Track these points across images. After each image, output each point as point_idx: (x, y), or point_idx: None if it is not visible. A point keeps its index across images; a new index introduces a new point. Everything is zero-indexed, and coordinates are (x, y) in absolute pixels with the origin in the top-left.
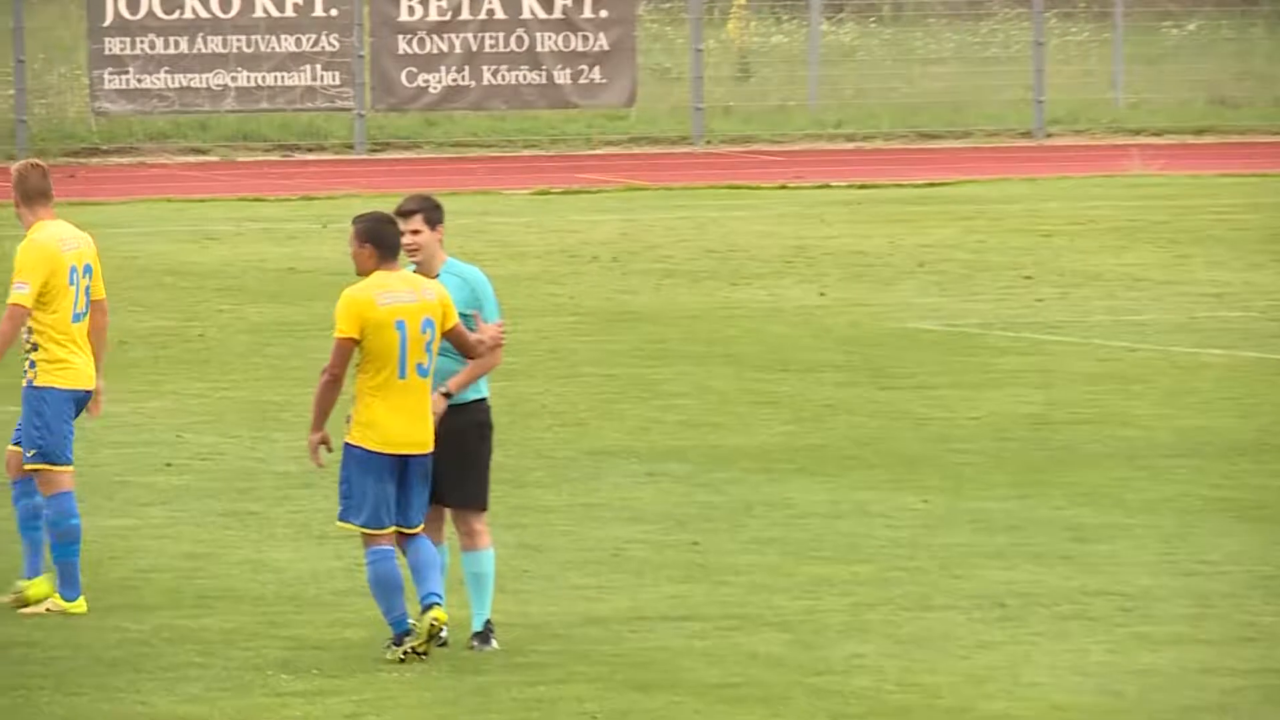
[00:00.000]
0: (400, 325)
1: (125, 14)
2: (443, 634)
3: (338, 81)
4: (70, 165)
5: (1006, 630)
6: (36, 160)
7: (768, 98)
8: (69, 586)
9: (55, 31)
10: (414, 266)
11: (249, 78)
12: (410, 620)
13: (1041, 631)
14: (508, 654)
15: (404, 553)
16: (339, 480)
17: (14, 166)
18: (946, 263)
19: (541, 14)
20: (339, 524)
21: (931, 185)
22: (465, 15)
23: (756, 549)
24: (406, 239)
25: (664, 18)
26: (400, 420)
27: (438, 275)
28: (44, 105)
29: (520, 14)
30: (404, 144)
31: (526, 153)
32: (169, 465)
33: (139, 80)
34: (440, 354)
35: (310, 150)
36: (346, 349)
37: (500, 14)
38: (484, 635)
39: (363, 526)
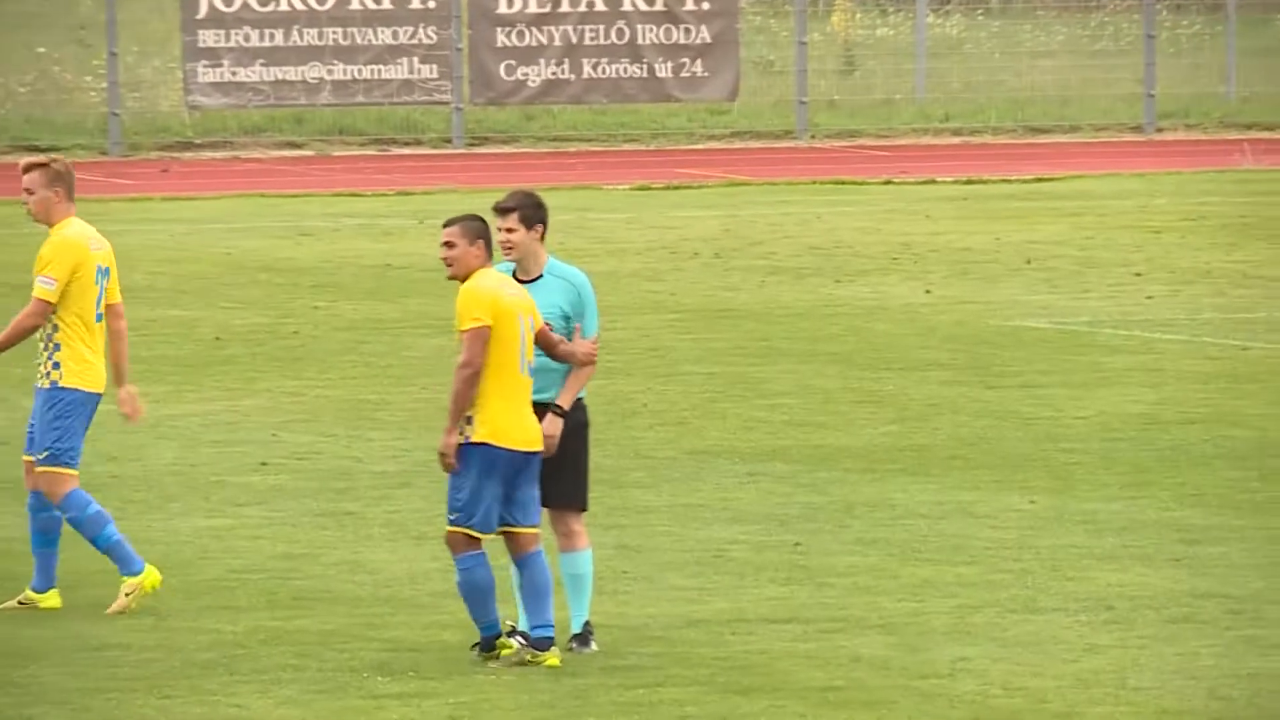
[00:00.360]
0: (521, 319)
1: (219, 6)
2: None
3: (435, 75)
4: (164, 160)
5: (1114, 633)
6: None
7: (873, 91)
8: (46, 577)
9: (149, 24)
10: (511, 267)
11: (345, 70)
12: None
13: (1149, 635)
14: (606, 656)
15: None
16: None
17: (49, 159)
18: (1054, 259)
19: (643, 6)
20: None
21: (1039, 180)
22: (565, 7)
23: (859, 550)
24: (501, 236)
25: (767, 10)
26: (521, 416)
27: (540, 276)
28: (137, 99)
29: (621, 6)
30: (502, 138)
31: (627, 147)
32: (264, 465)
33: (233, 73)
34: (541, 354)
35: (407, 145)
36: (485, 336)
37: (601, 6)
38: (583, 637)
39: (479, 530)
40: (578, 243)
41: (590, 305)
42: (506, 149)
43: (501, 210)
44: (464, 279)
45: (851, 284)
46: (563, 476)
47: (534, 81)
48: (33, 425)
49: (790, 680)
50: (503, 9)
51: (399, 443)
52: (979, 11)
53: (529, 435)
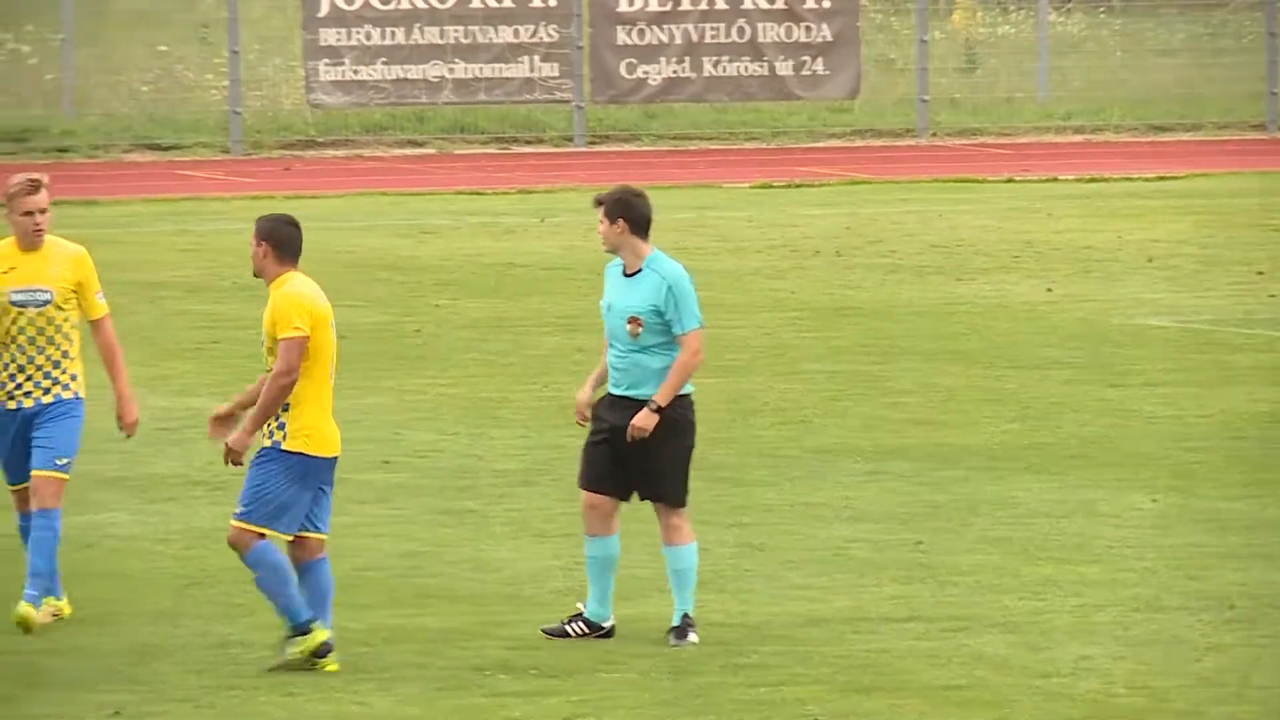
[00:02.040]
0: (334, 325)
1: (341, 4)
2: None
3: (556, 73)
4: (285, 158)
5: (1237, 633)
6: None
7: (994, 90)
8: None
9: (270, 22)
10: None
11: (467, 69)
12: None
13: (1273, 634)
14: (728, 654)
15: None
16: (255, 483)
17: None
18: (1176, 257)
19: (764, 4)
20: (237, 523)
21: (1161, 179)
22: (685, 5)
23: (981, 549)
24: (600, 228)
25: (888, 8)
26: (331, 423)
27: (640, 270)
28: (258, 97)
29: (742, 4)
30: (623, 136)
31: (748, 145)
32: (387, 462)
33: (355, 72)
34: (638, 350)
35: (528, 143)
36: (304, 345)
37: (721, 4)
38: (680, 630)
39: (283, 532)
40: (698, 241)
41: (682, 301)
42: (627, 147)
43: (594, 205)
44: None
45: (973, 282)
46: (661, 472)
47: (655, 80)
48: (48, 448)
49: (912, 679)
50: (623, 7)
51: (521, 441)
52: (1101, 10)
53: (336, 441)
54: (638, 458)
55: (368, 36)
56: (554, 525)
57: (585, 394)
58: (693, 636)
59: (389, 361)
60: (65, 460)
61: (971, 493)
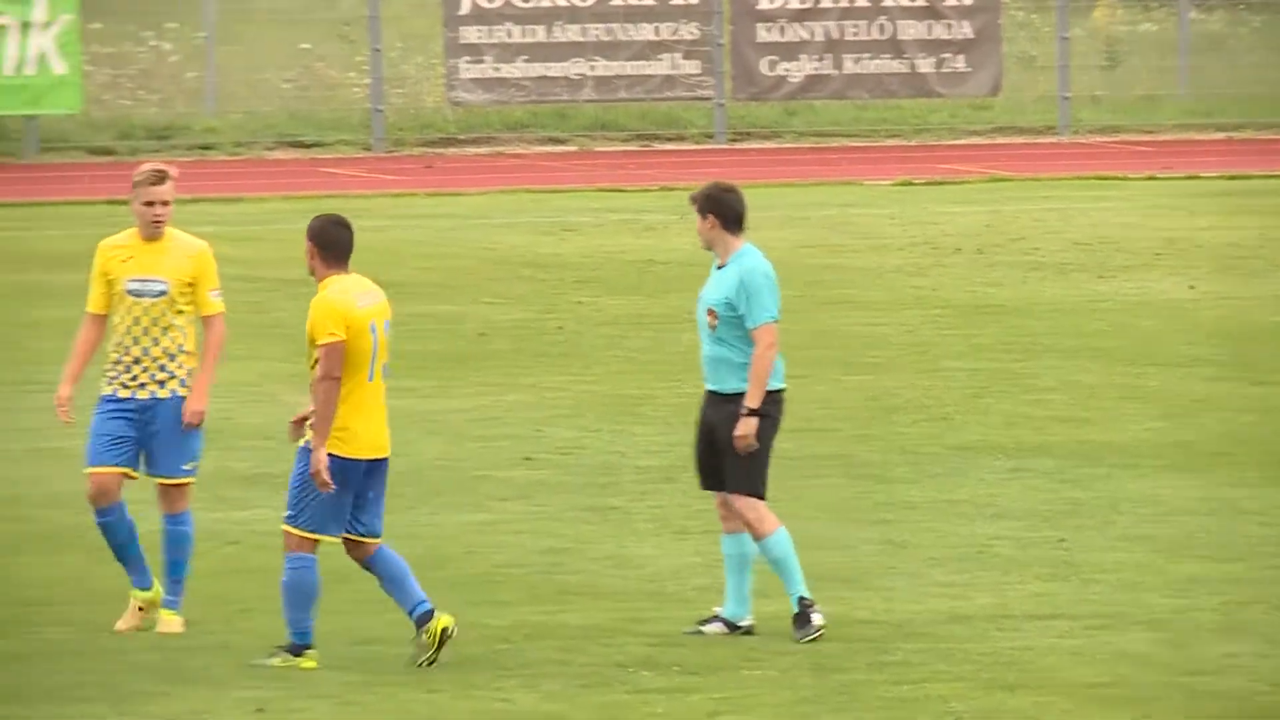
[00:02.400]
0: (373, 328)
1: (482, 2)
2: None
3: (698, 70)
4: (427, 155)
5: None
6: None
7: (1135, 87)
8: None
9: (411, 20)
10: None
11: (607, 66)
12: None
13: None
14: (871, 652)
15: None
16: (294, 486)
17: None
18: None
19: (905, 1)
20: (284, 527)
21: None
22: (826, 3)
23: (1124, 546)
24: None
25: (1029, 5)
26: (370, 424)
27: (727, 264)
28: (400, 95)
29: (883, 1)
30: (764, 133)
31: (889, 142)
32: (528, 459)
33: (496, 69)
34: (717, 343)
35: (669, 140)
36: (341, 351)
37: (862, 1)
38: (801, 617)
39: (314, 532)
40: (840, 238)
41: (754, 295)
42: (768, 144)
43: (689, 202)
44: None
45: (1115, 279)
46: (733, 464)
47: (796, 77)
48: (113, 443)
49: (1055, 676)
50: (765, 5)
51: (662, 438)
52: (1241, 6)
53: (377, 443)
54: (719, 452)
55: (509, 34)
56: (695, 522)
57: None
58: (816, 619)
59: (530, 359)
60: (192, 464)
61: (1114, 490)
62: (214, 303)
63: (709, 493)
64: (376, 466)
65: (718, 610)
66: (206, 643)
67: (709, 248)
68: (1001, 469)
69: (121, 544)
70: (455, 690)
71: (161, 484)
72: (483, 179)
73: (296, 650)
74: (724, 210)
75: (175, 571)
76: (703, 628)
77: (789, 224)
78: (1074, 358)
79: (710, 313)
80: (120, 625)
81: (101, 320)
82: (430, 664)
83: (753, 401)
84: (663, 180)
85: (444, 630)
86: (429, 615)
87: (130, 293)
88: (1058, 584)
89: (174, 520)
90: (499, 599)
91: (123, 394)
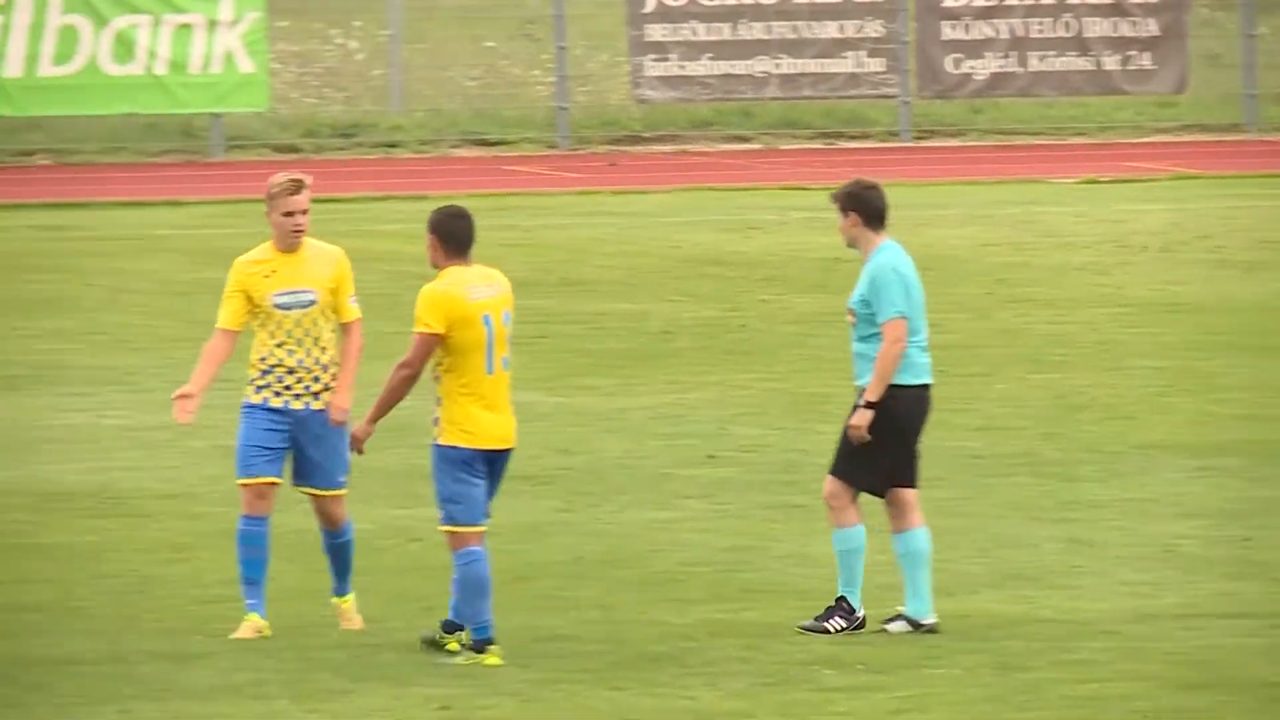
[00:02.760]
0: (488, 320)
1: (667, 1)
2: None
3: (882, 68)
4: (611, 153)
5: None
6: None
7: None
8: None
9: (596, 18)
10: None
11: (792, 64)
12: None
13: None
14: (1056, 650)
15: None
16: (435, 486)
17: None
18: None
19: None
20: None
21: None
22: (1012, 1)
23: None
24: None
25: (1215, 2)
26: (489, 416)
27: (866, 261)
28: (585, 93)
29: None
30: (949, 131)
31: (1074, 140)
32: (712, 457)
33: (681, 67)
34: (858, 339)
35: (854, 138)
36: (432, 344)
37: None
38: (825, 612)
39: (467, 526)
40: (1024, 236)
41: (883, 290)
42: (953, 142)
43: (831, 199)
44: (851, 245)
45: None
46: (843, 445)
47: (981, 74)
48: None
49: (1241, 676)
50: (949, 2)
51: None
52: None
53: (498, 434)
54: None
55: (694, 32)
56: (879, 520)
57: None
58: (835, 623)
59: (715, 356)
60: (345, 475)
61: None
62: (353, 309)
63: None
64: (499, 457)
65: (901, 609)
66: (390, 640)
67: (851, 245)
68: (1187, 468)
69: (257, 560)
70: (638, 688)
71: (319, 496)
72: (667, 177)
73: (480, 646)
74: (866, 207)
75: (344, 574)
76: (886, 626)
77: (973, 222)
78: (1261, 356)
79: (849, 310)
80: (237, 635)
81: (234, 336)
82: (426, 649)
83: (871, 395)
84: (846, 178)
85: (445, 647)
86: (485, 645)
87: (278, 307)
88: (1244, 583)
89: (336, 535)
90: (682, 597)
91: (275, 403)
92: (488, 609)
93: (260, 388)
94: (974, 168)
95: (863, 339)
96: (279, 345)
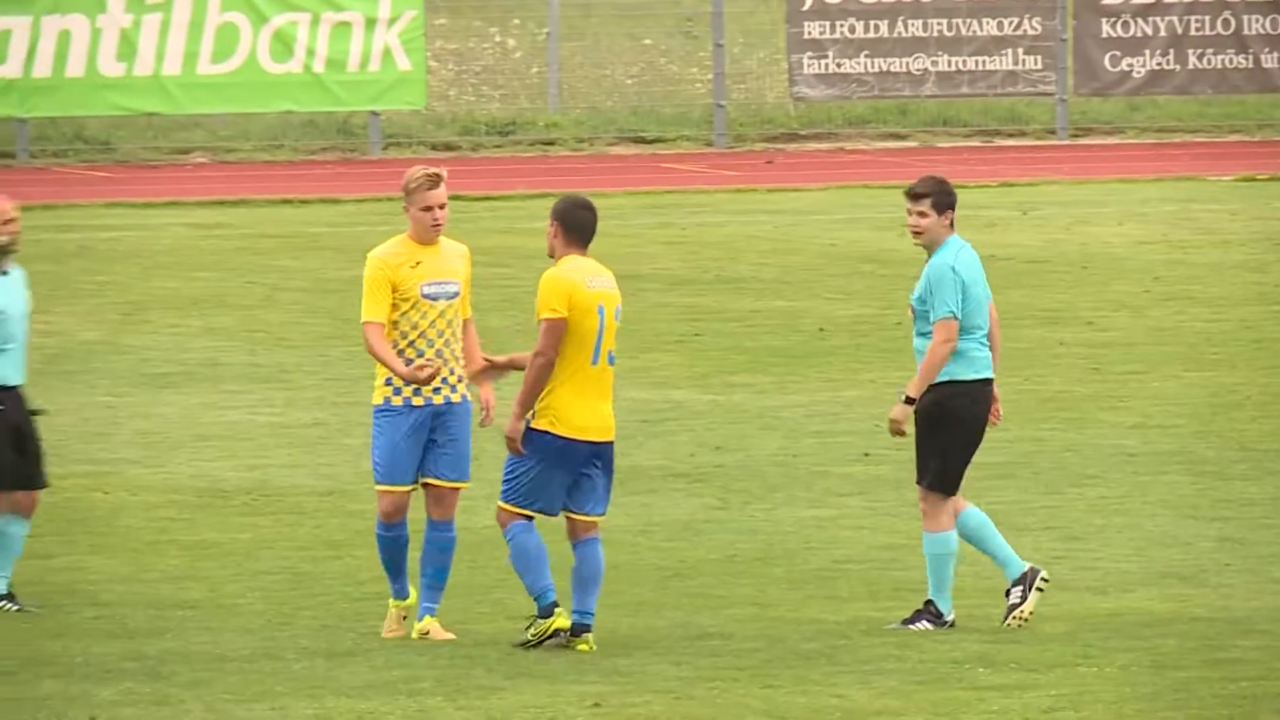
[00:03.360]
0: (601, 311)
1: None
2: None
3: (1040, 66)
4: (768, 151)
5: None
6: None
7: None
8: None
9: (754, 16)
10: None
11: (949, 62)
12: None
13: None
14: (1208, 649)
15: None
16: (508, 463)
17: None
18: None
19: None
20: (498, 503)
21: None
22: None
23: None
24: (911, 220)
25: None
26: (588, 407)
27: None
28: (742, 90)
29: None
30: (1106, 129)
31: (1232, 138)
32: (867, 455)
33: (838, 65)
34: (918, 336)
35: (1010, 136)
36: (560, 329)
37: None
38: (912, 617)
39: (520, 507)
40: (1181, 234)
41: (936, 289)
42: (1110, 140)
43: (915, 195)
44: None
45: None
46: (919, 458)
47: (1139, 72)
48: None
49: None
50: (1108, 0)
51: (998, 434)
52: None
53: (592, 425)
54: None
55: (851, 30)
56: (1033, 519)
57: None
58: (921, 624)
59: (870, 354)
60: (468, 469)
61: None
62: (469, 306)
63: (1042, 490)
64: (600, 450)
65: (1009, 588)
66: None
67: (926, 243)
68: None
69: (398, 559)
70: (791, 685)
71: (440, 488)
72: (823, 174)
73: (545, 613)
74: (953, 203)
75: (440, 578)
76: (1014, 608)
77: (1130, 219)
78: None
79: (910, 308)
80: (387, 633)
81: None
82: (525, 646)
83: (912, 391)
84: (1003, 176)
85: (557, 630)
86: (552, 609)
87: (426, 297)
88: None
89: (444, 527)
90: (836, 594)
91: (416, 401)
92: (545, 576)
93: (399, 388)
94: (1131, 165)
95: (921, 335)
96: (421, 335)
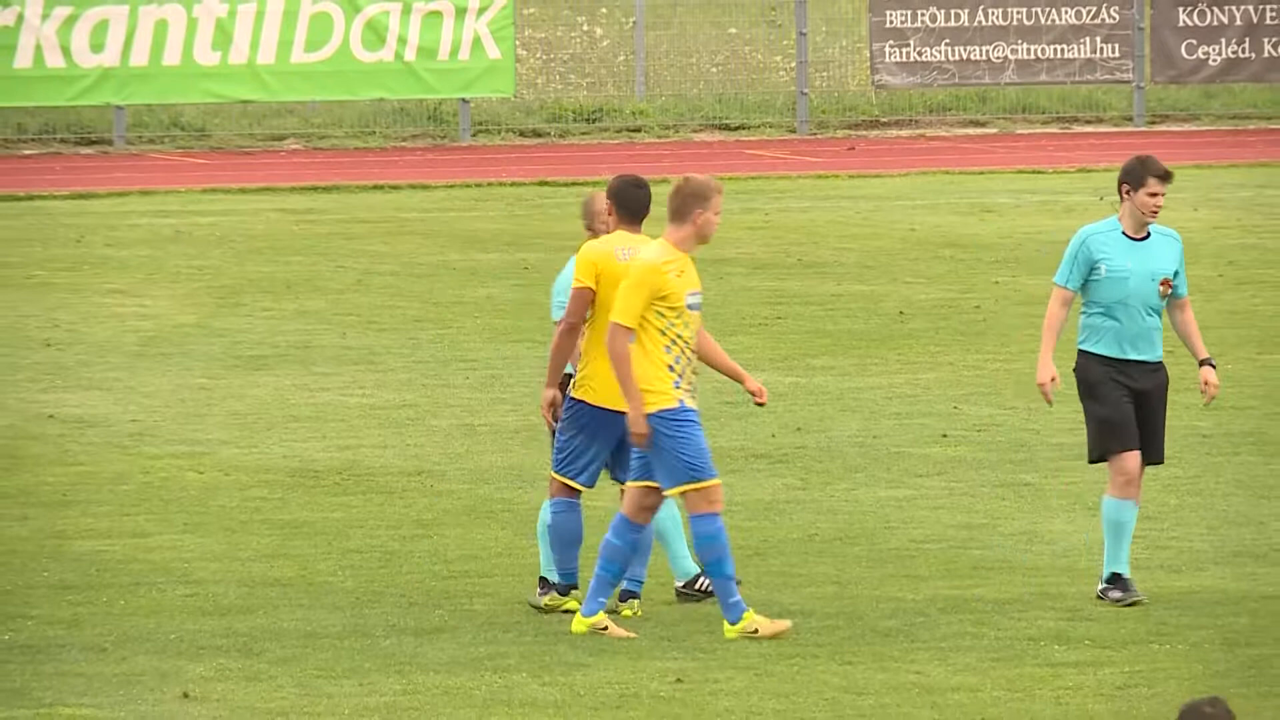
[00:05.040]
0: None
1: None
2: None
3: (1117, 54)
4: (850, 138)
5: None
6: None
7: None
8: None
9: (837, 4)
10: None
11: (1029, 50)
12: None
13: None
14: None
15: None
16: (557, 433)
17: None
18: None
19: None
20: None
21: None
22: None
23: None
24: (1157, 201)
25: None
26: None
27: (1147, 235)
28: (824, 78)
29: None
30: (1182, 116)
31: None
32: (945, 436)
33: (919, 53)
34: (1152, 314)
35: (1088, 123)
36: (587, 298)
37: None
38: (1108, 587)
39: (581, 483)
40: (1255, 219)
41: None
42: (1186, 127)
43: (1165, 176)
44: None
45: None
46: (1153, 434)
47: (1214, 60)
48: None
49: None
50: None
51: (1077, 415)
52: None
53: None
54: (1143, 421)
55: (932, 18)
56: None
57: None
58: (1114, 594)
59: (949, 337)
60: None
61: None
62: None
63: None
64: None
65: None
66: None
67: (1151, 221)
68: None
69: (724, 558)
70: (869, 662)
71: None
72: (904, 160)
73: (564, 590)
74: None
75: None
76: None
77: (1205, 205)
78: None
79: (1164, 281)
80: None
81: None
82: (539, 609)
83: (1205, 353)
84: (1081, 162)
85: (566, 611)
86: (569, 590)
87: (690, 307)
88: None
89: (645, 529)
90: (915, 573)
91: (690, 403)
92: (574, 559)
93: (688, 390)
94: (1206, 152)
95: (1154, 312)
96: (687, 344)
